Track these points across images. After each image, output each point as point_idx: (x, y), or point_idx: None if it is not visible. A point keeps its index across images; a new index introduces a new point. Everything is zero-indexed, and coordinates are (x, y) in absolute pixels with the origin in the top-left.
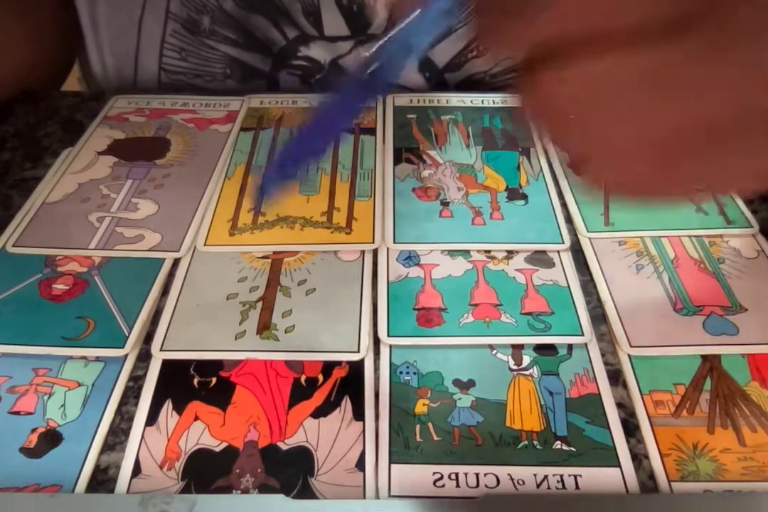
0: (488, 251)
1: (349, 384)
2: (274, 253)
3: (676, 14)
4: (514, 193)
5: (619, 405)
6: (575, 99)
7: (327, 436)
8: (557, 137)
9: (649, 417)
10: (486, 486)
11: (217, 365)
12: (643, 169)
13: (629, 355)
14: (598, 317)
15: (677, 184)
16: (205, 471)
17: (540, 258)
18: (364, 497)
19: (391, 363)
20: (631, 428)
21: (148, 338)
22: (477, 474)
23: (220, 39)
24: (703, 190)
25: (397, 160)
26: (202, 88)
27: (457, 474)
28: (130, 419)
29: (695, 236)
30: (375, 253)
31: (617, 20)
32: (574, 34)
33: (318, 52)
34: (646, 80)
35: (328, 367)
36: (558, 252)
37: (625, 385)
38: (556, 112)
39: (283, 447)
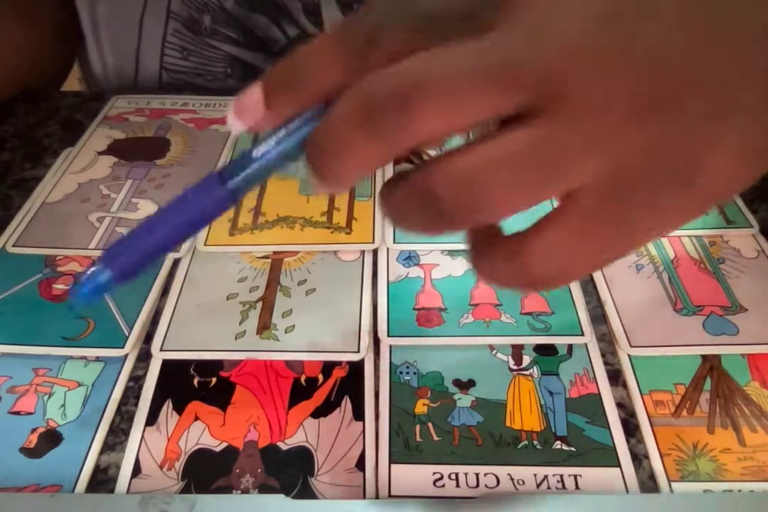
0: None
1: (349, 384)
2: (274, 253)
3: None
4: None
5: (619, 405)
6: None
7: (327, 436)
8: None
9: (649, 417)
10: (486, 486)
11: (217, 365)
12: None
13: (629, 355)
14: (598, 317)
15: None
16: (205, 471)
17: None
18: (364, 497)
19: (391, 363)
20: (631, 428)
21: (148, 338)
22: (477, 474)
23: (221, 38)
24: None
25: (397, 159)
26: (203, 87)
27: (457, 474)
28: (130, 419)
29: (695, 236)
30: (375, 253)
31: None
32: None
33: None
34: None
35: (328, 367)
36: None
37: (625, 385)
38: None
39: (283, 447)
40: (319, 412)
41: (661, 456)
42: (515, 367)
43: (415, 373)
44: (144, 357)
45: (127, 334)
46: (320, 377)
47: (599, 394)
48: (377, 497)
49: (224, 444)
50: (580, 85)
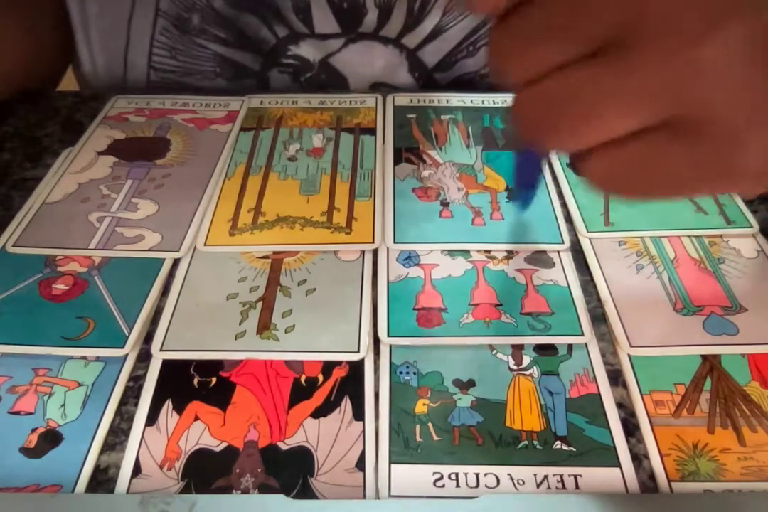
0: (488, 251)
1: (349, 384)
2: (274, 253)
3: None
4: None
5: (619, 405)
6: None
7: (327, 436)
8: (552, 141)
9: (649, 417)
10: (486, 486)
11: (217, 365)
12: (631, 171)
13: (629, 355)
14: (598, 317)
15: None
16: (205, 471)
17: (540, 259)
18: (364, 497)
19: (391, 363)
20: (631, 428)
21: (148, 338)
22: (477, 474)
23: (210, 37)
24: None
25: (397, 160)
26: (192, 86)
27: (457, 474)
28: (130, 419)
29: (695, 236)
30: (375, 252)
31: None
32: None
33: (308, 50)
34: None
35: (328, 367)
36: (558, 252)
37: (625, 385)
38: (550, 118)
39: (283, 447)
40: (319, 412)
41: (661, 456)
42: (515, 367)
43: (415, 373)
44: (144, 357)
45: (127, 334)
46: (320, 377)
47: (599, 394)
48: (377, 497)
49: (224, 444)
50: None
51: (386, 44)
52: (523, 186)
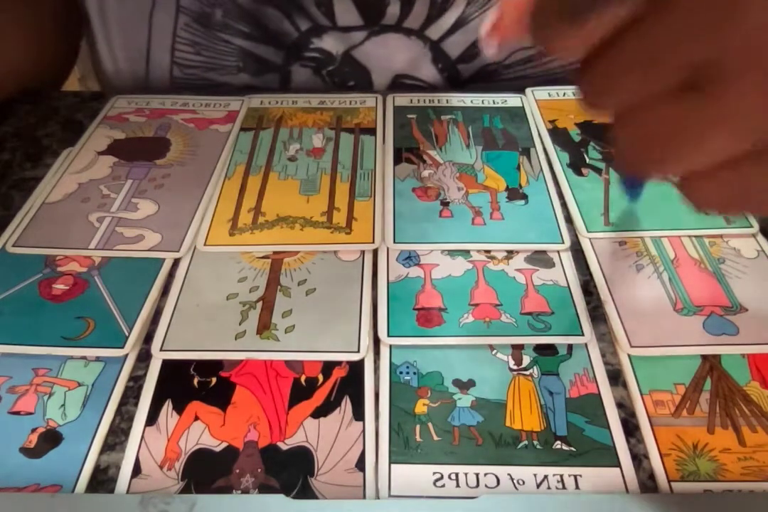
0: (488, 251)
1: (349, 384)
2: (274, 253)
3: None
4: (514, 193)
5: (619, 405)
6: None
7: (327, 436)
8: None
9: (649, 417)
10: (486, 486)
11: (217, 365)
12: (721, 188)
13: (629, 355)
14: (598, 317)
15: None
16: (205, 471)
17: (540, 259)
18: (364, 497)
19: (391, 363)
20: (631, 428)
21: (148, 338)
22: (477, 474)
23: (233, 32)
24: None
25: (397, 160)
26: (216, 82)
27: (457, 474)
28: (130, 419)
29: (695, 236)
30: (375, 253)
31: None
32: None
33: (330, 43)
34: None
35: (328, 367)
36: (558, 252)
37: (625, 385)
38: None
39: (283, 447)
40: (319, 412)
41: (661, 456)
42: (515, 367)
43: (415, 373)
44: (144, 357)
45: (127, 334)
46: (320, 377)
47: (599, 394)
48: (377, 497)
49: (224, 444)
50: None
51: (409, 36)
52: (630, 190)
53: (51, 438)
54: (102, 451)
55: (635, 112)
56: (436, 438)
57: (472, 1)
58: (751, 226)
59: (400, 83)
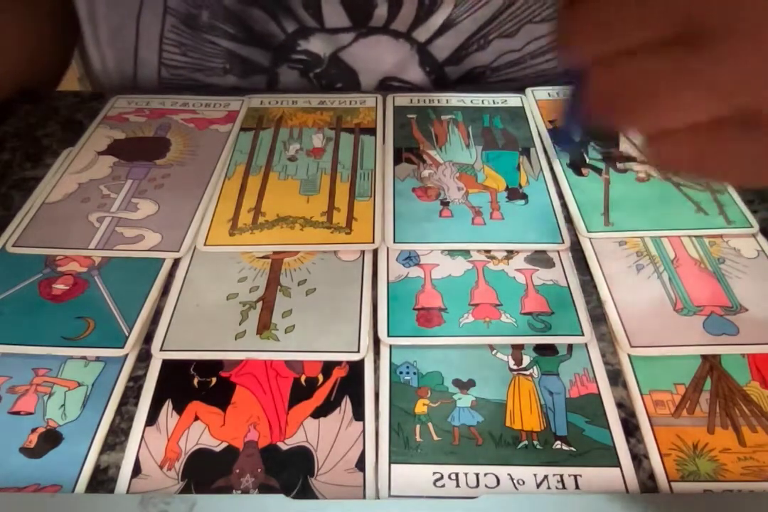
0: (488, 251)
1: (349, 384)
2: (274, 253)
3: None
4: (514, 193)
5: (619, 405)
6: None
7: (327, 436)
8: (625, 120)
9: (649, 417)
10: (486, 486)
11: (217, 365)
12: (690, 150)
13: (629, 355)
14: (598, 317)
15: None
16: (205, 471)
17: (540, 259)
18: (364, 497)
19: (391, 363)
20: (631, 428)
21: (148, 338)
22: (477, 474)
23: (219, 34)
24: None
25: (397, 160)
26: (203, 83)
27: (457, 474)
28: (130, 419)
29: (695, 236)
30: (375, 253)
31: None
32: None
33: (318, 45)
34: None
35: (328, 367)
36: (558, 252)
37: (625, 385)
38: (626, 97)
39: (283, 447)
40: (319, 412)
41: (661, 456)
42: (515, 367)
43: (415, 373)
44: (144, 357)
45: (127, 334)
46: (320, 377)
47: (599, 394)
48: (377, 497)
49: (224, 444)
50: None
51: (397, 38)
52: (567, 130)
53: (51, 438)
54: (102, 451)
55: (616, 60)
56: (436, 438)
57: (459, 3)
58: (751, 226)
59: (388, 85)
